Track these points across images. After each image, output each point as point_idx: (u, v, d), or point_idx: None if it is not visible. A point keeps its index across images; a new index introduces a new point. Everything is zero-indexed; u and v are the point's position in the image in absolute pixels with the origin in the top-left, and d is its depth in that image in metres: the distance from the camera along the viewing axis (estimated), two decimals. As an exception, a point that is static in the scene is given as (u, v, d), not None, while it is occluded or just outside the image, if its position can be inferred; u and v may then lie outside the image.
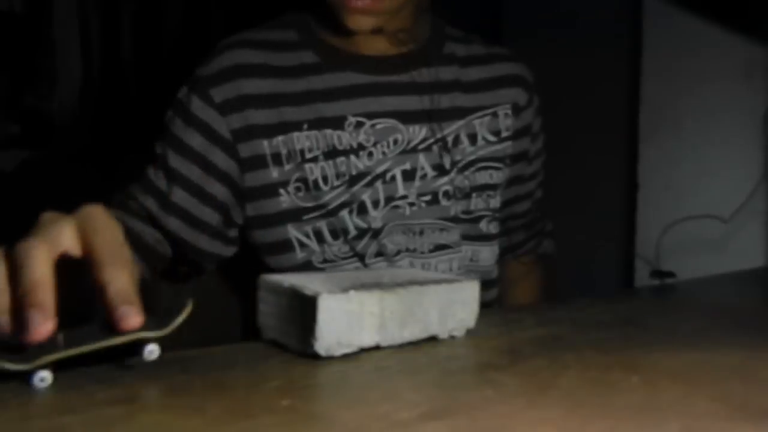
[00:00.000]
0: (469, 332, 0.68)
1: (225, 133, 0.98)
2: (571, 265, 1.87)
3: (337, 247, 0.99)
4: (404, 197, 1.00)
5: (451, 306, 0.66)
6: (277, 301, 0.62)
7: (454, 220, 1.03)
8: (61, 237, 0.55)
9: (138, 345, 0.52)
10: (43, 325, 0.48)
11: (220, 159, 0.98)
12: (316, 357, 0.57)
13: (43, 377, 0.49)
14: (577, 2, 1.92)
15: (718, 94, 1.51)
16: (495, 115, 1.06)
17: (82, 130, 2.55)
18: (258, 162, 0.98)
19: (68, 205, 0.58)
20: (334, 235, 0.99)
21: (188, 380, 0.53)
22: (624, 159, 1.79)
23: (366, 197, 0.99)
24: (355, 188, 0.98)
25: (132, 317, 0.51)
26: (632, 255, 1.69)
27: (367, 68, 1.01)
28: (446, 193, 1.02)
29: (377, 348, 0.61)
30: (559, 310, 0.80)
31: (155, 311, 0.53)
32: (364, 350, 0.60)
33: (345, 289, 0.59)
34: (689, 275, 1.09)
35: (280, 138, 0.97)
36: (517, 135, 1.09)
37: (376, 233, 0.99)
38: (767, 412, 0.48)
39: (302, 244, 0.99)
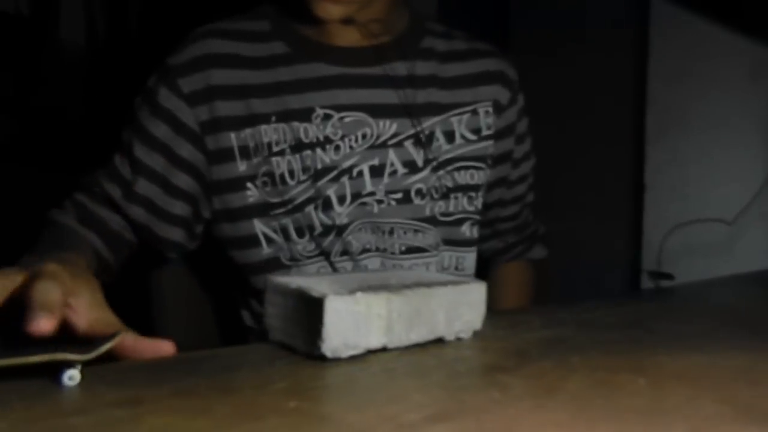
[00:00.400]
0: (476, 334, 0.68)
1: (192, 124, 0.96)
2: (577, 267, 1.87)
3: (302, 245, 0.97)
4: (372, 194, 0.97)
5: (458, 308, 0.66)
6: (284, 303, 0.62)
7: (431, 221, 1.00)
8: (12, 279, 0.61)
9: (60, 368, 0.51)
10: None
11: (185, 150, 0.97)
12: (323, 359, 0.57)
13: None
14: (585, 5, 1.92)
15: (724, 96, 1.51)
16: (475, 112, 1.03)
17: (87, 130, 2.56)
18: (225, 155, 0.96)
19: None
20: (300, 232, 0.97)
21: (195, 382, 0.53)
22: (631, 160, 1.79)
23: (331, 192, 0.96)
24: (321, 183, 0.96)
25: (41, 321, 0.51)
26: (639, 256, 1.68)
27: (337, 60, 0.98)
28: (419, 192, 0.99)
29: (384, 350, 0.61)
30: (566, 312, 0.80)
31: (84, 341, 0.54)
32: (371, 352, 0.60)
33: (352, 291, 0.59)
34: (695, 277, 1.08)
35: (248, 131, 0.96)
36: (499, 135, 1.06)
37: (341, 230, 0.97)
38: (774, 414, 0.48)
39: (269, 240, 0.97)
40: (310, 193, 0.96)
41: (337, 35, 0.98)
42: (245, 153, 0.96)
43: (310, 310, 0.58)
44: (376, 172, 0.97)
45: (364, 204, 0.97)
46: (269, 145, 0.95)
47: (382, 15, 0.98)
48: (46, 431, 0.43)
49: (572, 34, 1.95)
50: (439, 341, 0.65)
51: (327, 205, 0.96)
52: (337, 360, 0.58)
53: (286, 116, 0.95)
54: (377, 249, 0.98)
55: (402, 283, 0.64)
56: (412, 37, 1.03)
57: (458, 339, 0.66)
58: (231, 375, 0.55)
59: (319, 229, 0.96)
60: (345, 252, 0.97)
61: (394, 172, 0.98)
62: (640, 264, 1.67)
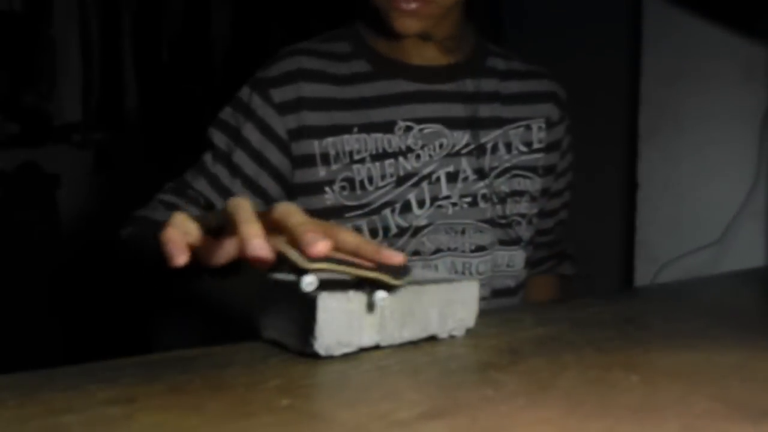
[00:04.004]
0: (469, 332, 0.68)
1: (281, 132, 1.03)
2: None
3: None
4: (448, 197, 1.05)
5: (451, 305, 0.66)
6: (277, 301, 0.62)
7: (490, 222, 1.07)
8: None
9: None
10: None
11: (275, 156, 1.03)
12: (315, 356, 0.57)
13: (311, 281, 0.56)
14: (578, 3, 1.92)
15: (718, 94, 1.51)
16: (528, 127, 1.12)
17: (81, 129, 2.55)
18: (308, 161, 1.03)
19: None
20: (374, 233, 1.03)
21: (188, 379, 0.53)
22: (624, 158, 1.79)
23: (412, 197, 1.03)
24: (402, 188, 1.03)
25: (319, 243, 0.56)
26: (632, 254, 1.68)
27: (415, 77, 1.06)
28: (484, 196, 1.07)
29: (377, 347, 0.61)
30: (559, 309, 0.81)
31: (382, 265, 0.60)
32: (363, 350, 0.60)
33: (345, 289, 0.59)
34: (687, 275, 1.09)
35: (330, 139, 1.02)
36: (548, 148, 1.14)
37: (416, 232, 1.03)
38: (766, 411, 0.48)
39: None
40: (390, 197, 1.03)
41: (413, 54, 1.07)
42: (326, 160, 1.03)
43: (303, 307, 0.58)
44: (451, 178, 1.05)
45: (440, 207, 1.04)
46: (350, 153, 1.03)
47: (453, 32, 1.07)
48: (38, 430, 0.43)
49: (565, 33, 1.95)
50: (432, 339, 0.65)
51: (406, 209, 1.03)
52: (329, 358, 0.58)
53: (368, 128, 1.03)
54: (449, 249, 1.05)
55: (395, 281, 0.64)
56: (478, 56, 1.12)
57: (451, 337, 0.66)
58: (224, 373, 0.55)
59: (394, 230, 1.03)
60: (416, 252, 1.04)
61: (465, 178, 1.06)
62: (633, 262, 1.67)
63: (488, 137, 1.08)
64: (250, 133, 1.04)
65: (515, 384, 0.53)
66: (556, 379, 0.54)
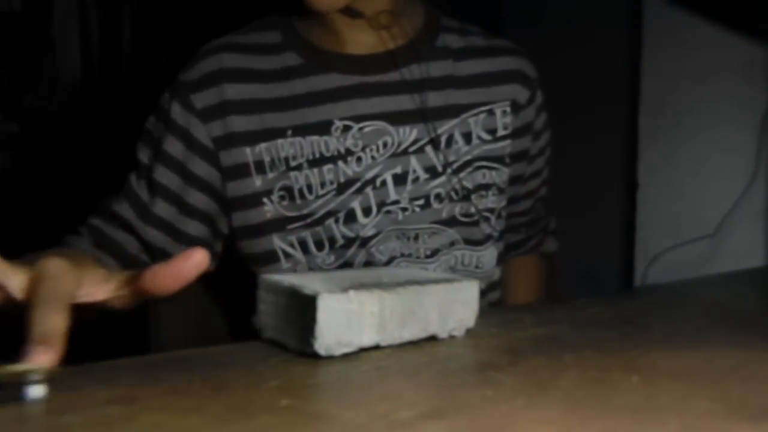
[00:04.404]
0: (469, 332, 0.68)
1: (205, 140, 0.94)
2: (570, 265, 1.87)
3: (321, 258, 0.95)
4: (396, 202, 0.96)
5: (451, 306, 0.66)
6: (277, 301, 0.62)
7: (449, 222, 0.98)
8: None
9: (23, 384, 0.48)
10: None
11: (200, 168, 0.95)
12: (315, 356, 0.57)
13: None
14: (578, 4, 1.92)
15: (718, 94, 1.51)
16: (491, 112, 1.00)
17: (81, 129, 2.55)
18: (241, 171, 0.94)
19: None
20: (320, 245, 0.95)
21: (188, 380, 0.53)
22: (624, 158, 1.79)
23: (356, 204, 0.94)
24: (344, 196, 0.94)
25: (39, 355, 0.49)
26: (632, 255, 1.68)
27: (352, 68, 0.96)
28: (438, 196, 0.97)
29: (377, 348, 0.61)
30: (559, 309, 0.81)
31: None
32: (363, 350, 0.60)
33: (345, 289, 0.59)
34: (687, 275, 1.09)
35: (263, 145, 0.94)
36: (516, 134, 1.03)
37: (364, 241, 0.95)
38: (766, 411, 0.48)
39: (287, 255, 0.96)
40: (332, 206, 0.94)
41: (350, 42, 0.96)
42: (261, 168, 0.94)
43: (303, 308, 0.58)
44: (399, 180, 0.95)
45: (388, 213, 0.95)
46: (286, 159, 0.94)
47: (389, 5, 0.95)
48: (38, 430, 0.43)
49: (565, 34, 1.96)
50: (432, 339, 0.65)
51: (350, 218, 0.94)
52: (329, 358, 0.58)
53: (303, 130, 0.94)
54: (402, 255, 0.97)
55: (395, 281, 0.64)
56: (427, 36, 1.00)
57: (451, 337, 0.66)
58: (224, 373, 0.55)
59: (340, 241, 0.95)
60: (369, 263, 0.96)
61: (416, 179, 0.96)
62: (633, 262, 1.67)
63: (442, 129, 0.97)
64: (171, 145, 0.95)
65: (515, 384, 0.53)
66: (556, 379, 0.54)
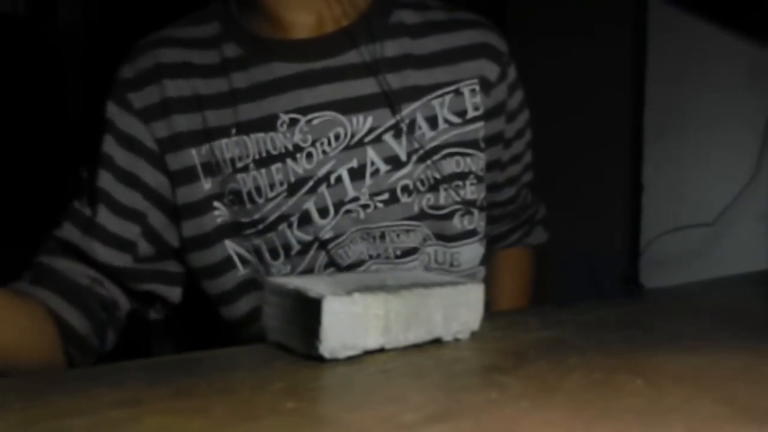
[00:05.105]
0: (474, 335, 0.68)
1: (150, 143, 0.87)
2: (574, 267, 1.87)
3: (277, 267, 0.89)
4: (356, 199, 0.87)
5: (456, 308, 0.66)
6: (282, 304, 0.62)
7: (419, 216, 0.90)
8: None
9: None
10: None
11: (147, 173, 0.88)
12: (320, 359, 0.57)
13: None
14: (583, 5, 1.92)
15: (722, 97, 1.51)
16: (458, 92, 0.91)
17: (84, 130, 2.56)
18: (189, 174, 0.88)
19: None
20: (274, 254, 0.88)
21: (193, 383, 0.53)
22: (629, 161, 1.79)
23: (310, 205, 0.87)
24: (296, 197, 0.87)
25: None
26: (636, 257, 1.68)
27: (295, 55, 0.87)
28: (405, 188, 0.88)
29: (382, 350, 0.61)
30: (564, 312, 0.80)
31: None
32: (368, 353, 0.60)
33: (349, 292, 0.59)
34: (691, 278, 1.08)
35: (207, 145, 0.87)
36: (488, 115, 0.94)
37: (323, 244, 0.88)
38: (772, 414, 0.48)
39: (244, 260, 0.90)
40: (283, 209, 0.87)
41: (291, 26, 0.88)
42: (209, 170, 0.88)
43: (308, 310, 0.58)
44: (356, 174, 0.87)
45: (348, 212, 0.88)
46: (232, 160, 0.87)
47: None
48: (44, 432, 0.43)
49: (570, 35, 1.96)
50: (437, 342, 0.65)
51: (305, 220, 0.87)
52: (334, 361, 0.58)
53: (247, 128, 0.86)
54: (371, 257, 0.89)
55: (399, 284, 0.64)
56: (378, 13, 0.91)
57: (456, 340, 0.66)
58: (229, 375, 0.55)
59: (296, 247, 0.88)
60: (330, 264, 0.89)
61: (375, 172, 0.88)
62: (638, 264, 1.67)
63: (401, 114, 0.88)
64: (113, 149, 0.87)
65: (520, 387, 0.53)
66: (561, 382, 0.54)
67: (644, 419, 0.46)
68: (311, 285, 0.60)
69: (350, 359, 0.59)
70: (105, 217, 0.87)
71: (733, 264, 1.39)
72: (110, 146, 0.88)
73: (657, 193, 1.63)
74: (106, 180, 0.87)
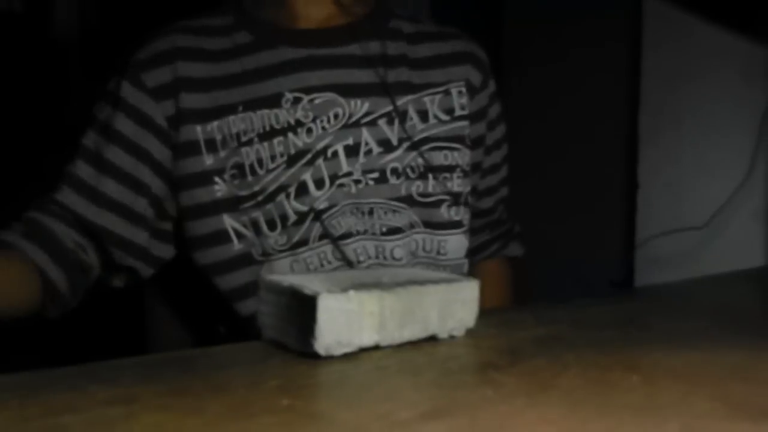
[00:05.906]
0: (469, 332, 0.68)
1: (159, 119, 0.94)
2: (570, 265, 1.87)
3: (274, 238, 0.94)
4: (349, 174, 0.94)
5: (451, 306, 0.66)
6: (277, 301, 0.62)
7: (407, 200, 0.97)
8: None
9: None
10: None
11: (155, 147, 0.94)
12: (315, 356, 0.57)
13: None
14: (577, 2, 1.93)
15: (718, 94, 1.51)
16: (447, 92, 1.01)
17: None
18: (191, 148, 0.94)
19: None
20: (272, 225, 0.93)
21: (188, 380, 0.53)
22: (624, 159, 1.79)
23: (307, 176, 0.93)
24: (295, 168, 0.93)
25: None
26: (632, 255, 1.68)
27: (303, 42, 0.97)
28: (395, 171, 0.96)
29: (377, 348, 0.61)
30: (559, 309, 0.81)
31: None
32: (363, 350, 0.60)
33: (344, 289, 0.59)
34: (686, 276, 1.09)
35: (215, 123, 0.94)
36: (472, 117, 1.03)
37: (318, 214, 0.93)
38: (767, 411, 0.48)
39: (240, 235, 0.95)
40: (282, 180, 0.93)
41: (303, 17, 0.98)
42: (212, 146, 0.94)
43: (303, 308, 0.58)
44: (351, 151, 0.95)
45: (341, 186, 0.94)
46: (237, 135, 0.93)
47: None
48: (39, 430, 0.43)
49: (565, 33, 1.96)
50: (432, 339, 0.65)
51: (302, 191, 0.93)
52: (329, 358, 0.58)
53: (254, 105, 0.94)
54: (358, 232, 0.95)
55: (395, 281, 0.64)
56: (380, 16, 1.02)
57: (451, 337, 0.66)
58: (224, 373, 0.55)
59: (293, 218, 0.93)
60: (324, 236, 0.94)
61: (369, 152, 0.95)
62: (633, 263, 1.67)
63: (395, 104, 0.97)
64: (123, 124, 0.93)
65: (515, 384, 0.53)
66: (557, 379, 0.54)
67: (640, 416, 0.46)
68: (306, 282, 0.60)
69: (345, 356, 0.59)
70: (113, 190, 0.94)
71: (728, 263, 1.39)
72: (121, 122, 0.94)
73: (653, 192, 1.63)
74: (113, 153, 0.94)
